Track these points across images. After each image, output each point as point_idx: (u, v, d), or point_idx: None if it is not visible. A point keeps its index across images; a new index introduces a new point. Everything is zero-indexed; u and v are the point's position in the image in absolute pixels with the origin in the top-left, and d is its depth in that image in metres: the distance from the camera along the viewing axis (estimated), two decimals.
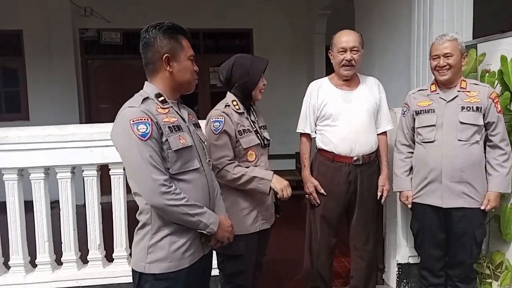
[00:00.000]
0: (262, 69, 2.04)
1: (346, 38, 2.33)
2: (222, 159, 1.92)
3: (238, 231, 1.86)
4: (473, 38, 2.85)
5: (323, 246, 2.47)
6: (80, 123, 5.75)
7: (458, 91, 2.26)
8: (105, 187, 2.70)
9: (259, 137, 2.06)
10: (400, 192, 2.48)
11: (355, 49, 2.32)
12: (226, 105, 2.00)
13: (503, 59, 2.43)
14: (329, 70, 5.93)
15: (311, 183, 2.43)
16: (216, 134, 1.92)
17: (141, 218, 1.59)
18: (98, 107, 6.13)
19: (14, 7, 5.63)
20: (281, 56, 6.10)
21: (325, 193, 2.40)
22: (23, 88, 5.92)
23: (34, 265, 2.64)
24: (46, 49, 5.72)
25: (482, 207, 2.24)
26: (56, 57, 5.74)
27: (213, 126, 1.93)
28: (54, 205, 2.64)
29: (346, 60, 2.32)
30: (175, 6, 5.78)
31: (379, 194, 2.45)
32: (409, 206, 2.42)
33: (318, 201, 2.42)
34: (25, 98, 5.93)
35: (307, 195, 2.46)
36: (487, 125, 2.24)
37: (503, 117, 2.26)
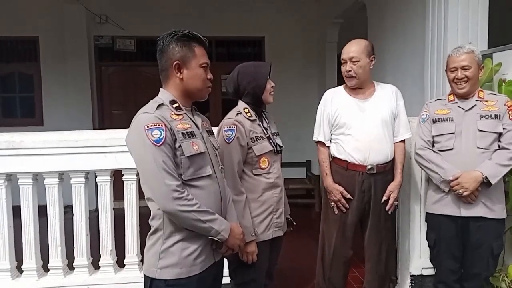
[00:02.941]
0: (267, 72, 2.06)
1: (347, 49, 2.36)
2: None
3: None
4: (489, 47, 2.82)
5: (337, 257, 2.44)
6: (93, 129, 5.81)
7: (476, 100, 2.25)
8: (117, 193, 2.71)
9: (272, 143, 2.05)
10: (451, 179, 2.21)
11: (354, 59, 2.32)
12: (238, 113, 2.00)
13: None
14: (340, 78, 5.95)
15: (337, 190, 2.38)
16: (229, 143, 1.92)
17: (154, 223, 1.60)
18: (111, 113, 6.19)
19: (31, 14, 5.75)
20: (292, 64, 6.12)
21: (351, 198, 2.37)
22: (38, 93, 6.01)
23: (46, 270, 2.66)
24: (61, 55, 5.81)
25: (450, 178, 2.16)
26: (71, 63, 5.82)
27: (225, 135, 1.92)
28: (66, 210, 2.66)
29: (346, 71, 2.35)
30: (188, 14, 5.84)
31: (384, 198, 2.37)
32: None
33: (347, 207, 2.38)
34: (39, 103, 6.01)
35: (332, 203, 2.42)
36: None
37: None
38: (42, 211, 2.63)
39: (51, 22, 5.79)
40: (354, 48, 2.33)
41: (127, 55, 6.16)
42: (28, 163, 2.50)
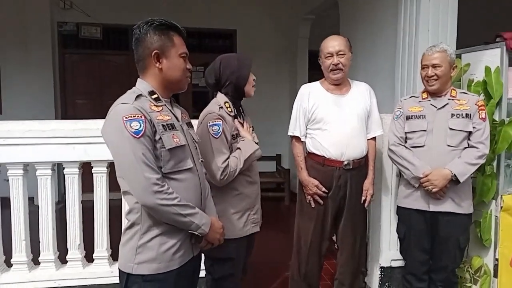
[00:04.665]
0: (250, 63, 2.03)
1: (332, 43, 2.37)
2: (226, 161, 1.87)
3: (230, 235, 1.84)
4: (457, 48, 2.92)
5: (313, 250, 2.46)
6: (56, 119, 5.58)
7: (449, 99, 2.32)
8: (84, 185, 2.61)
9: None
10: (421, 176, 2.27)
11: (341, 53, 2.34)
12: (220, 107, 1.95)
13: (487, 70, 2.51)
14: (311, 74, 5.99)
15: (312, 184, 2.39)
16: (217, 138, 1.86)
17: (130, 217, 1.54)
18: (75, 102, 5.97)
19: None
20: (264, 58, 6.11)
21: (327, 191, 2.39)
22: None
23: (9, 265, 2.54)
24: (22, 41, 5.52)
25: (421, 175, 2.23)
26: (32, 50, 5.55)
27: (212, 130, 1.86)
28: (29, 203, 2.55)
29: (333, 64, 2.35)
30: (158, 3, 5.69)
31: (363, 198, 2.46)
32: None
33: (322, 202, 2.40)
34: None
35: (309, 197, 2.43)
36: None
37: (488, 124, 2.31)
38: (5, 203, 2.50)
39: (11, 6, 5.47)
40: (339, 42, 2.35)
41: (93, 43, 5.94)
42: None
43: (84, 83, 5.93)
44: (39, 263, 2.56)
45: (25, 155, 2.42)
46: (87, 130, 2.42)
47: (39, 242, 2.55)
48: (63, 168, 2.55)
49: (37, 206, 2.53)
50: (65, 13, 5.69)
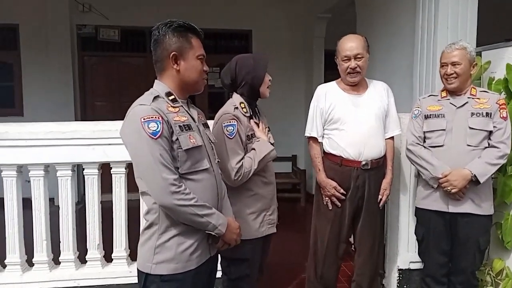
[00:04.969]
0: (266, 63, 2.02)
1: (349, 45, 2.31)
2: (240, 162, 1.88)
3: (245, 236, 1.84)
4: (477, 46, 2.86)
5: (330, 252, 2.44)
6: (75, 120, 5.68)
7: (468, 97, 2.27)
8: (103, 186, 2.65)
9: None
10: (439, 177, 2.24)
11: (358, 56, 2.30)
12: (235, 108, 1.96)
13: (509, 67, 2.45)
14: (327, 74, 5.94)
15: (330, 185, 2.37)
16: (232, 138, 1.87)
17: (149, 217, 1.56)
18: (93, 104, 6.06)
19: (11, 1, 5.54)
20: (280, 58, 6.09)
21: (345, 193, 2.37)
22: (17, 83, 5.82)
23: (31, 264, 2.59)
24: (43, 44, 5.63)
25: (440, 176, 2.20)
26: (52, 52, 5.65)
27: (227, 131, 1.87)
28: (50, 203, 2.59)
29: (350, 68, 2.31)
30: (174, 5, 5.74)
31: (379, 197, 2.42)
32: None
33: (339, 204, 2.38)
34: (19, 93, 5.83)
35: (326, 198, 2.42)
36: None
37: (510, 124, 2.25)
38: (26, 204, 2.55)
39: (32, 9, 5.60)
40: (357, 44, 2.30)
41: (111, 45, 6.02)
42: (12, 154, 2.43)
43: (103, 85, 6.01)
44: (59, 263, 2.61)
45: (46, 156, 2.47)
46: (106, 131, 2.46)
47: (59, 242, 2.59)
48: (83, 169, 2.59)
49: (58, 207, 2.57)
50: (84, 16, 5.78)
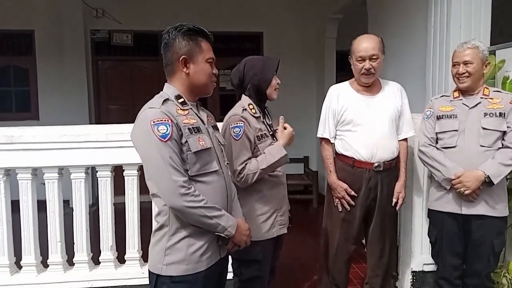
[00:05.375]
0: (274, 67, 2.02)
1: (364, 46, 2.27)
2: (243, 164, 1.88)
3: (256, 237, 1.84)
4: (491, 44, 2.82)
5: (340, 252, 2.43)
6: (90, 123, 5.77)
7: (481, 97, 2.24)
8: (116, 188, 2.69)
9: (276, 140, 2.03)
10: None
11: (374, 57, 2.26)
12: (243, 109, 1.96)
13: None
14: (339, 75, 5.89)
15: (341, 187, 2.36)
16: (237, 140, 1.88)
17: (159, 219, 1.58)
18: (108, 108, 6.15)
19: (27, 7, 5.67)
20: (291, 60, 6.07)
21: (356, 195, 2.35)
22: (33, 87, 5.94)
23: (45, 265, 2.63)
24: (57, 49, 5.74)
25: (452, 177, 2.17)
26: (67, 57, 5.76)
27: (234, 132, 1.89)
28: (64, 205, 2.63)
29: (365, 69, 2.27)
30: (186, 9, 5.78)
31: (394, 200, 2.40)
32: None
33: (352, 204, 2.36)
34: (35, 97, 5.95)
35: (337, 200, 2.40)
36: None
37: None
38: (41, 206, 2.60)
39: (47, 16, 5.71)
40: (372, 45, 2.26)
41: (124, 50, 6.10)
42: (27, 157, 2.48)
43: (116, 88, 6.09)
44: (73, 264, 2.64)
45: (60, 159, 2.51)
46: (119, 134, 2.48)
47: (73, 243, 2.63)
48: (96, 172, 2.62)
49: (72, 209, 2.61)
50: (97, 21, 5.87)
